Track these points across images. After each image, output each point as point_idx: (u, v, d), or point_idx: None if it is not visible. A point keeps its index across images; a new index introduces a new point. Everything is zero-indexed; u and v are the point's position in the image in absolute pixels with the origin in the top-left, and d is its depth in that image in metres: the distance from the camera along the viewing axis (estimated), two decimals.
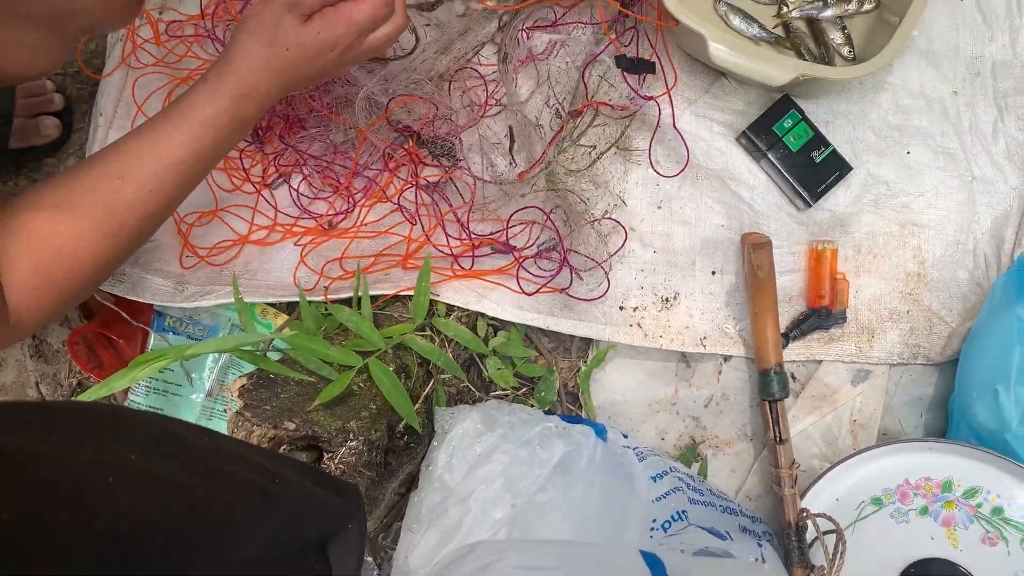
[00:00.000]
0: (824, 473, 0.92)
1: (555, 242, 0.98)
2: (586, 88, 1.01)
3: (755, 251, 0.94)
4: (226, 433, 0.78)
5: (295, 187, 1.03)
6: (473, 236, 0.98)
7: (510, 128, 1.02)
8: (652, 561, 0.70)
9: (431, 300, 0.92)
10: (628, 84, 1.00)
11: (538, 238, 1.00)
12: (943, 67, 1.02)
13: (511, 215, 0.98)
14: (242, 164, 1.04)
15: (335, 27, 0.76)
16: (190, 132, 0.77)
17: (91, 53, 1.14)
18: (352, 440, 0.75)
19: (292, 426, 0.76)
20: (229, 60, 0.77)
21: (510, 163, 1.02)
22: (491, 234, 1.00)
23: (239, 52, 0.77)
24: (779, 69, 0.90)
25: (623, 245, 0.99)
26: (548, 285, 0.96)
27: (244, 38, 0.77)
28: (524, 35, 1.02)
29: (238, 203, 1.04)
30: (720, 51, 0.91)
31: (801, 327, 0.98)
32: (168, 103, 0.88)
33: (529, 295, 0.95)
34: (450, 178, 0.99)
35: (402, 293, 0.93)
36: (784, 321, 0.98)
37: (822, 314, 0.97)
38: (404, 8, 0.78)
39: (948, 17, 1.04)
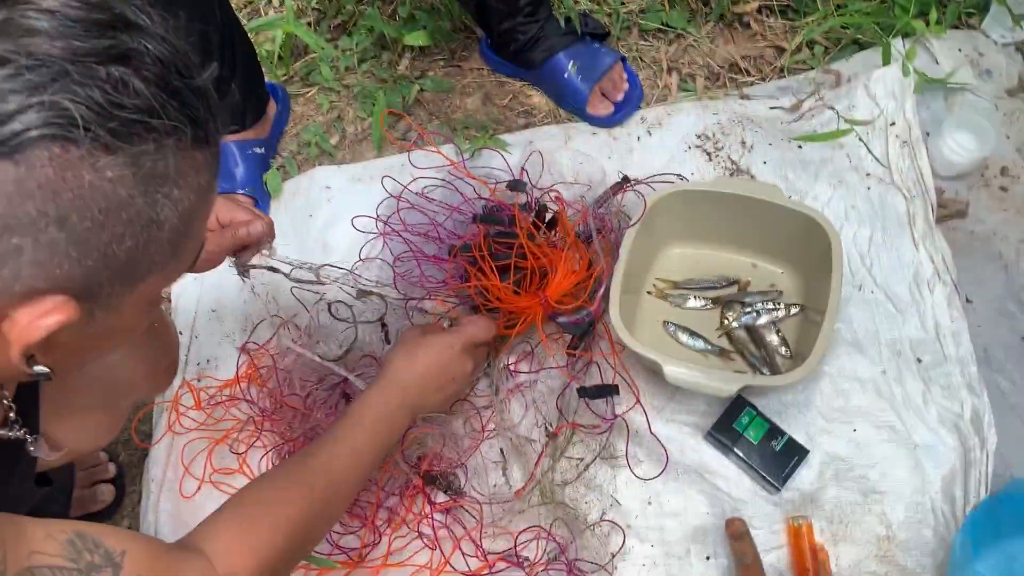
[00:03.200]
0: None
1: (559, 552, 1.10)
2: (560, 412, 1.18)
3: (735, 542, 1.07)
4: None
5: None
6: (488, 556, 1.11)
7: (501, 450, 1.18)
8: None
9: None
10: (592, 409, 1.17)
11: (546, 548, 1.12)
12: (869, 352, 1.20)
13: (518, 533, 1.11)
14: None
15: (450, 334, 1.08)
16: (357, 413, 0.98)
17: (138, 420, 1.31)
18: None
19: None
20: (396, 377, 1.02)
21: (506, 483, 1.16)
22: (504, 551, 1.12)
23: (391, 358, 1.04)
24: (727, 383, 1.07)
25: (623, 544, 1.12)
26: None
27: (396, 352, 1.05)
28: (509, 371, 1.21)
29: None
30: (674, 372, 1.08)
31: None
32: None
33: None
34: (459, 505, 1.13)
35: None
36: None
37: None
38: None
39: (865, 309, 1.23)
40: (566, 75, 1.43)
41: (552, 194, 1.27)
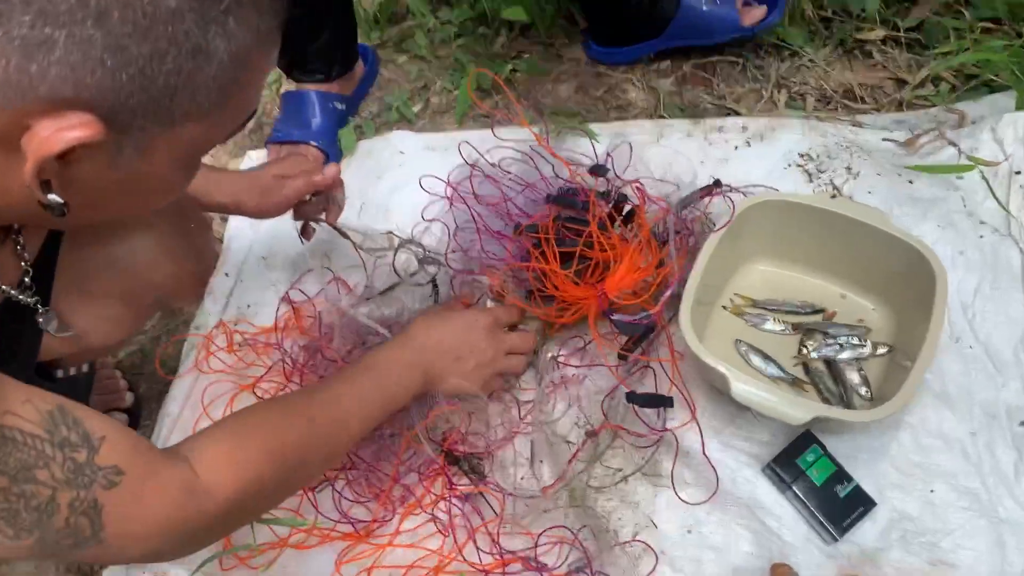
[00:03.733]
0: None
1: (584, 563, 0.99)
2: (605, 416, 1.08)
3: None
4: None
5: (338, 490, 1.08)
6: (504, 553, 1.01)
7: (532, 443, 1.08)
8: None
9: None
10: (641, 418, 1.06)
11: (567, 557, 1.02)
12: (959, 409, 1.08)
13: (540, 533, 1.01)
14: None
15: (479, 311, 1.06)
16: (368, 362, 0.95)
17: (168, 355, 1.25)
18: None
19: None
20: (415, 336, 1.01)
21: (532, 476, 1.07)
22: (522, 551, 1.02)
23: (412, 323, 1.03)
24: (798, 410, 0.96)
25: (653, 570, 1.01)
26: None
27: (418, 318, 1.03)
28: (556, 364, 1.11)
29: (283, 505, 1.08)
30: (743, 390, 0.98)
31: None
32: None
33: None
34: (480, 492, 1.04)
35: None
36: None
37: None
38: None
39: (960, 363, 1.11)
40: (705, 7, 1.35)
41: (634, 186, 1.18)
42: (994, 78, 1.32)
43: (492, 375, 1.06)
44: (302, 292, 1.25)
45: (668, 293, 1.07)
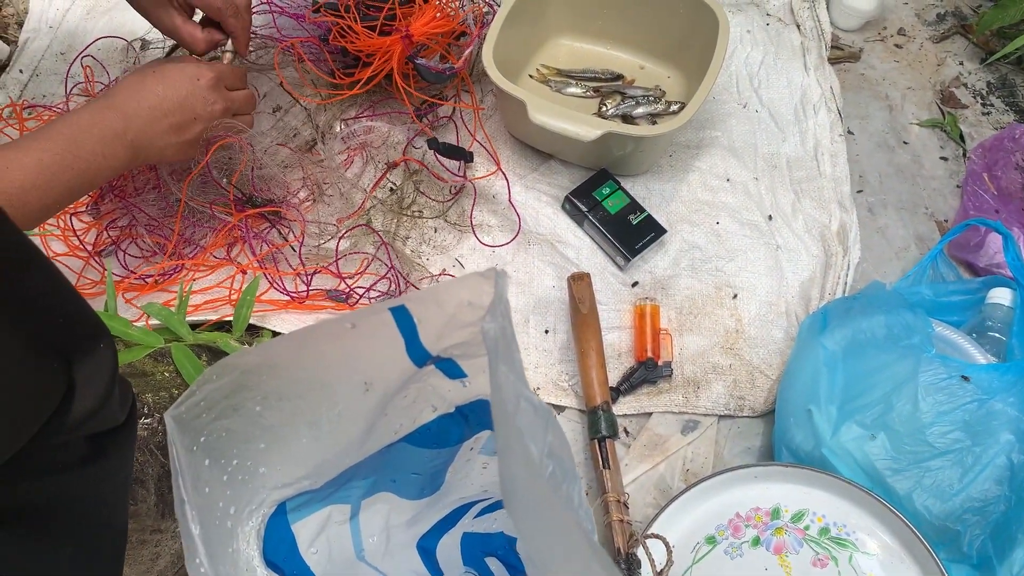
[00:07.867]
0: (657, 515, 0.90)
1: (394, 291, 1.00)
2: (406, 163, 1.09)
3: (575, 283, 0.98)
4: None
5: (124, 249, 1.04)
6: (305, 263, 1.00)
7: (318, 184, 1.07)
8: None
9: (259, 327, 0.91)
10: (443, 164, 1.08)
11: (374, 285, 1.02)
12: (744, 159, 1.15)
13: (340, 236, 1.00)
14: (72, 227, 1.04)
15: (199, 63, 0.90)
16: (57, 128, 0.78)
17: None
18: (146, 417, 0.71)
19: None
20: (109, 87, 0.88)
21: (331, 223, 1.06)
22: (329, 291, 1.01)
23: (118, 82, 0.88)
24: (589, 127, 1.00)
25: None
26: None
27: (126, 76, 0.88)
28: (345, 125, 1.11)
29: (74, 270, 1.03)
30: (539, 117, 1.01)
31: (630, 380, 1.00)
32: None
33: None
34: (276, 210, 1.02)
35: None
36: (615, 377, 1.01)
37: (648, 365, 1.00)
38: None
39: (747, 124, 1.19)
40: None
41: None
42: None
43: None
44: (92, 57, 1.19)
45: (471, 48, 1.09)
